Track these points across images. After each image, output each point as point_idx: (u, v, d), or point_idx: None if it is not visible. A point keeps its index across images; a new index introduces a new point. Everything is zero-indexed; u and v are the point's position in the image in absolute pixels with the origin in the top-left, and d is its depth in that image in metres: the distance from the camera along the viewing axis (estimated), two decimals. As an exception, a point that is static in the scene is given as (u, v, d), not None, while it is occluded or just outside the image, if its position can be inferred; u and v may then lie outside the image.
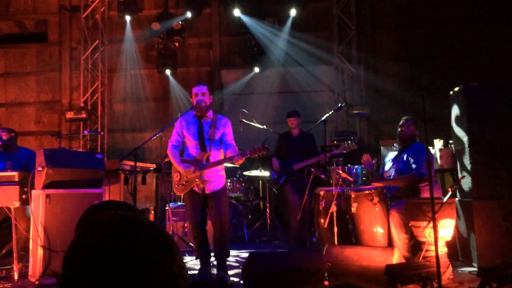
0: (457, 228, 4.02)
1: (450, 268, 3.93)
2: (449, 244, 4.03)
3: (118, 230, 0.97)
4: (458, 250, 4.75)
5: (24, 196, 4.36)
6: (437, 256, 3.26)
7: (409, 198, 4.23)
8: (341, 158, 6.22)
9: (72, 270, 0.95)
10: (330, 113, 5.73)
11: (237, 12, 8.36)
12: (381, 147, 7.23)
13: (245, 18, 8.47)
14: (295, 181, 5.77)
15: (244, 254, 5.59)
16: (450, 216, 3.91)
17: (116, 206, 1.58)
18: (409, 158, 4.61)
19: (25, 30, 9.88)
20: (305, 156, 5.82)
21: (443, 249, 3.90)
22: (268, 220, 6.81)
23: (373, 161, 4.91)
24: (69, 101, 9.30)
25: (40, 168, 4.24)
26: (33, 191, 4.24)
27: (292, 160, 5.88)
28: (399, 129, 4.79)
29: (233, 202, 6.54)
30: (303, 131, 6.11)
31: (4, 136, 5.25)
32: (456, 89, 4.67)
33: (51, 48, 9.50)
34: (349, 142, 5.59)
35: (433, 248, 3.59)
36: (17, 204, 4.32)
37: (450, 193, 3.79)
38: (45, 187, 4.21)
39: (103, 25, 9.20)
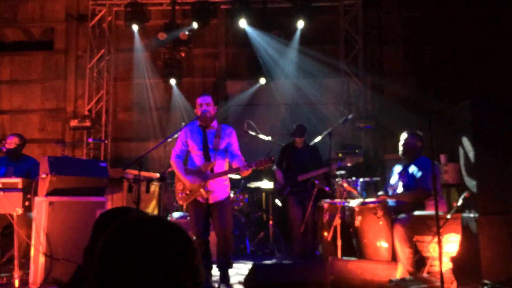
0: (462, 243, 3.97)
1: (455, 284, 3.88)
2: (454, 260, 3.98)
3: (150, 228, 1.10)
4: (464, 266, 4.69)
5: (27, 203, 4.35)
6: (441, 272, 3.23)
7: (413, 213, 4.19)
8: (345, 172, 6.20)
9: (106, 262, 1.06)
10: (336, 125, 5.72)
11: (243, 24, 8.38)
12: (386, 161, 7.21)
13: (250, 31, 8.50)
14: (298, 192, 5.73)
15: (247, 266, 5.55)
16: (455, 231, 3.87)
17: (137, 212, 1.66)
18: (415, 172, 4.59)
19: (32, 38, 9.94)
20: (309, 168, 5.79)
21: (447, 265, 3.86)
22: (271, 233, 6.77)
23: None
24: (73, 109, 9.32)
25: (44, 175, 4.23)
26: (36, 198, 4.23)
27: (296, 171, 5.83)
28: (399, 144, 4.82)
29: (236, 213, 6.51)
30: (306, 143, 6.08)
31: (11, 145, 5.23)
32: (463, 103, 4.65)
33: (57, 56, 9.55)
34: (354, 154, 5.58)
35: (437, 263, 3.56)
36: (20, 211, 4.31)
37: (455, 208, 3.76)
38: (49, 194, 4.20)
39: (109, 34, 9.26)
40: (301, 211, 5.67)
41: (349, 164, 5.55)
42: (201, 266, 1.14)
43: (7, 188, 4.34)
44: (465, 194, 4.19)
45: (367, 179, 5.53)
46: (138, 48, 9.01)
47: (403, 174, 4.74)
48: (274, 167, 6.06)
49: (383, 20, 9.03)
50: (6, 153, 5.25)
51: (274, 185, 6.27)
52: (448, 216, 3.71)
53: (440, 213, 3.49)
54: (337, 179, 4.96)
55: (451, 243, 3.88)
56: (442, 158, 5.95)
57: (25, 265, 4.63)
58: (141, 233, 1.08)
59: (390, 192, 4.86)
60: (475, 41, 8.61)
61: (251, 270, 3.85)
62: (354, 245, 4.53)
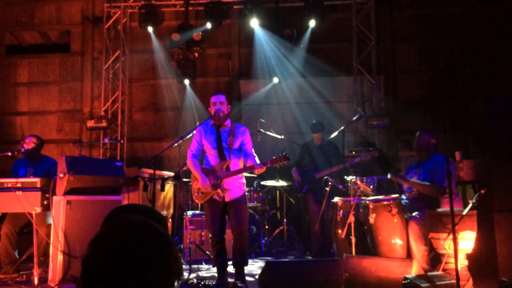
0: (478, 240, 3.95)
1: (471, 281, 3.86)
2: (470, 257, 3.96)
3: (126, 233, 1.20)
4: (479, 263, 4.65)
5: (45, 202, 4.43)
6: (456, 269, 3.21)
7: (428, 210, 4.18)
8: (359, 169, 6.19)
9: (89, 263, 1.19)
10: (349, 123, 5.72)
11: (255, 23, 8.35)
12: (401, 158, 7.18)
13: (261, 32, 8.49)
14: (317, 190, 5.76)
15: (261, 263, 5.58)
16: (470, 228, 3.85)
17: (143, 210, 1.72)
18: (430, 169, 4.56)
19: (49, 41, 10.12)
20: (327, 165, 5.83)
21: (463, 262, 3.84)
22: (285, 231, 6.79)
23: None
24: (90, 110, 9.46)
25: (61, 175, 4.31)
26: (54, 197, 4.31)
27: (315, 169, 5.89)
28: (414, 141, 4.80)
29: (250, 211, 6.54)
30: (324, 140, 6.12)
31: (28, 145, 5.33)
32: (478, 100, 4.62)
33: (74, 58, 9.70)
34: (370, 149, 5.58)
35: (453, 260, 3.54)
36: (38, 210, 4.40)
37: (470, 205, 3.74)
38: (66, 193, 4.27)
39: (124, 36, 9.36)
40: (319, 209, 5.70)
41: (366, 159, 5.54)
42: (178, 261, 1.22)
43: (26, 188, 4.43)
44: (480, 191, 4.16)
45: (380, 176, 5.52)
46: (153, 49, 9.10)
47: (418, 172, 4.72)
48: (294, 168, 6.11)
49: (395, 18, 8.97)
50: (25, 153, 5.35)
51: (294, 183, 6.30)
52: (464, 213, 3.68)
53: (456, 210, 3.47)
54: (350, 177, 4.96)
55: (467, 240, 3.85)
56: (457, 155, 5.89)
57: (44, 263, 4.74)
58: (116, 240, 1.18)
59: (404, 190, 4.84)
60: (489, 38, 8.51)
61: (265, 267, 3.88)
62: (369, 243, 4.53)
